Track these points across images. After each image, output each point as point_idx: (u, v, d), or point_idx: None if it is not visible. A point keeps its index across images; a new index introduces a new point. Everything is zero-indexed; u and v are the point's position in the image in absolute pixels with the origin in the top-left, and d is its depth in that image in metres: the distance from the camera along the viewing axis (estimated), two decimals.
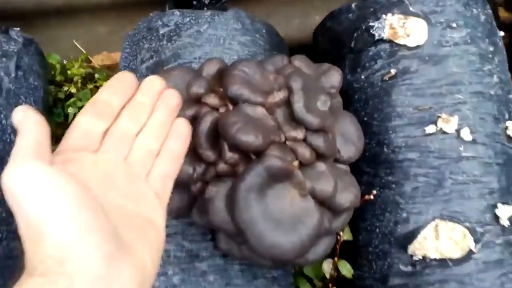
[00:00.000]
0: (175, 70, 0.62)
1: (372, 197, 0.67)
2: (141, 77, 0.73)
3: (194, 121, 0.56)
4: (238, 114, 0.54)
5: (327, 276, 0.76)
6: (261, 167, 0.51)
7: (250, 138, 0.51)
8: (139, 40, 0.78)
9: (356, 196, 0.58)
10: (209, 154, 0.54)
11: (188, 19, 0.74)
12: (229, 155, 0.54)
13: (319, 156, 0.58)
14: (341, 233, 0.70)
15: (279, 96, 0.56)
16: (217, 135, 0.55)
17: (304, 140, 0.56)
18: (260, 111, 0.56)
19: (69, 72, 0.97)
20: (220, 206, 0.53)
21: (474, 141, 0.68)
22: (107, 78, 1.00)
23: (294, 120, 0.56)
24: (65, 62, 1.01)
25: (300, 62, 0.66)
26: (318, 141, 0.56)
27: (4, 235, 0.61)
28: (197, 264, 0.63)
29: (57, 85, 0.99)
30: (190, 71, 0.63)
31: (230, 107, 0.57)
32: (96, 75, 1.00)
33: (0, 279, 0.58)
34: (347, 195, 0.58)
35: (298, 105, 0.55)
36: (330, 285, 0.73)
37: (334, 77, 0.65)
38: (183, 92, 0.60)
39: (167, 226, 0.65)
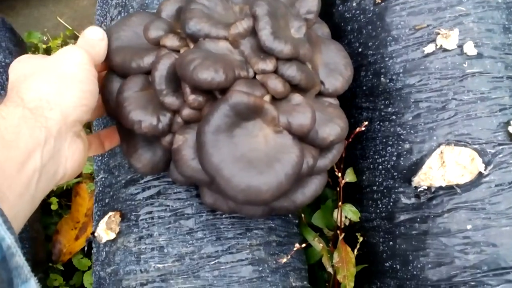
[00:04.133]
0: (132, 16, 0.57)
1: (363, 128, 0.60)
2: None
3: None
4: (197, 51, 0.49)
5: (337, 223, 0.71)
6: (226, 106, 0.47)
7: (209, 75, 0.46)
8: None
9: (342, 129, 0.52)
10: (172, 101, 0.50)
11: None
12: (192, 97, 0.49)
13: (296, 88, 0.52)
14: (340, 175, 0.65)
15: (242, 25, 0.51)
16: (179, 79, 0.50)
17: (276, 71, 0.51)
18: (223, 45, 0.51)
19: (44, 46, 0.93)
20: (188, 154, 0.49)
21: (480, 55, 0.60)
22: None
23: (263, 51, 0.51)
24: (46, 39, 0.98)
25: None
26: (290, 70, 0.50)
27: None
28: (183, 222, 0.59)
29: None
30: (149, 15, 0.58)
31: (192, 46, 0.52)
32: None
33: None
34: (331, 128, 0.52)
35: (264, 32, 0.49)
36: (338, 232, 0.68)
37: (309, 1, 0.58)
38: (145, 40, 0.56)
39: (148, 188, 0.62)
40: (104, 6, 0.74)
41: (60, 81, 0.43)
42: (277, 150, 0.48)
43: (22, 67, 0.45)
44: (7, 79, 0.74)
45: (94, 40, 0.51)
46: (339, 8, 0.74)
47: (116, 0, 0.71)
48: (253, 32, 0.51)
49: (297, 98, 0.50)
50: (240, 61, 0.51)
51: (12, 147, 0.38)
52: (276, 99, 0.51)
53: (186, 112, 0.50)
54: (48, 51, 0.96)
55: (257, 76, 0.50)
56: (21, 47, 0.82)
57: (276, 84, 0.49)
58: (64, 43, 0.96)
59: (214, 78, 0.46)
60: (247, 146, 0.47)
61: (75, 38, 1.06)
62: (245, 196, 0.46)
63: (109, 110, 0.55)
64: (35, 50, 0.97)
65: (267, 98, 0.50)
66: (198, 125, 0.48)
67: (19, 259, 0.32)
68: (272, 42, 0.49)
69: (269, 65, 0.50)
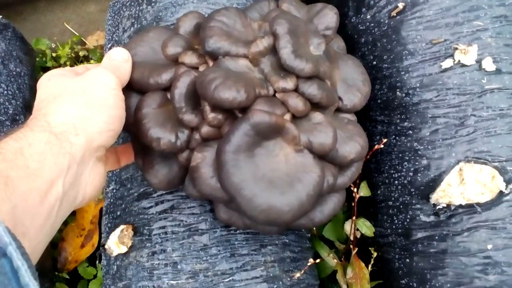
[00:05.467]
0: (150, 31, 0.56)
1: (382, 146, 0.60)
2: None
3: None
4: (218, 70, 0.48)
5: (350, 237, 0.71)
6: (247, 125, 0.46)
7: (231, 94, 0.46)
8: (120, 8, 0.73)
9: (362, 147, 0.52)
10: (191, 118, 0.49)
11: None
12: (212, 116, 0.48)
13: (316, 106, 0.51)
14: (356, 189, 0.64)
15: (262, 44, 0.50)
16: (198, 96, 0.50)
17: (296, 90, 0.50)
18: (242, 63, 0.50)
19: (54, 54, 0.93)
20: (207, 173, 0.48)
21: (498, 71, 0.59)
22: (100, 57, 0.96)
23: (283, 69, 0.50)
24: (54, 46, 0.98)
25: (289, 4, 0.59)
26: (311, 89, 0.50)
27: None
28: (197, 238, 0.59)
29: None
30: (166, 30, 0.57)
31: (211, 64, 0.51)
32: (90, 56, 0.96)
33: None
34: (352, 146, 0.51)
35: (285, 51, 0.49)
36: (351, 246, 0.68)
37: (328, 17, 0.58)
38: (162, 56, 0.55)
39: (161, 202, 0.62)
40: (116, 16, 0.73)
41: (88, 106, 0.42)
42: (298, 170, 0.47)
43: (51, 87, 0.44)
44: (18, 89, 0.73)
45: (119, 62, 0.50)
46: (352, 20, 0.73)
47: (129, 11, 0.70)
48: (273, 50, 0.50)
49: (318, 116, 0.50)
50: (260, 79, 0.50)
51: (37, 176, 0.37)
52: (296, 118, 0.50)
53: (205, 129, 0.49)
54: (57, 60, 0.95)
55: (277, 94, 0.50)
56: (31, 56, 0.81)
57: (297, 103, 0.49)
58: (73, 51, 0.96)
59: (235, 98, 0.45)
60: (268, 166, 0.47)
61: (82, 44, 1.05)
62: (266, 216, 0.45)
63: (126, 126, 0.54)
64: (42, 56, 0.96)
65: (287, 116, 0.49)
66: (218, 144, 0.47)
67: None
68: (293, 61, 0.48)
69: (289, 83, 0.49)
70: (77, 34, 1.03)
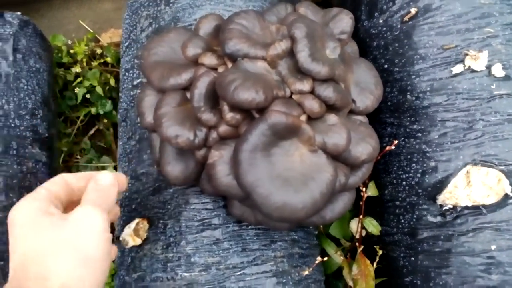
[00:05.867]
0: (170, 32, 0.58)
1: (393, 147, 0.61)
2: (141, 47, 0.71)
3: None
4: (237, 71, 0.50)
5: (356, 235, 0.72)
6: (264, 125, 0.48)
7: (250, 95, 0.47)
8: (138, 8, 0.74)
9: (374, 148, 0.54)
10: (209, 117, 0.51)
11: None
12: (230, 115, 0.50)
13: (331, 108, 0.53)
14: (364, 189, 0.66)
15: (280, 47, 0.52)
16: (217, 96, 0.52)
17: (312, 92, 0.52)
18: (261, 65, 0.52)
19: (71, 51, 0.95)
20: (223, 170, 0.50)
21: (507, 77, 0.61)
22: (114, 55, 0.98)
23: (300, 72, 0.52)
24: (70, 43, 1.00)
25: (305, 9, 0.60)
26: (327, 91, 0.51)
27: None
28: (210, 232, 0.61)
29: (66, 68, 0.98)
30: (186, 31, 0.59)
31: (230, 65, 0.53)
32: (105, 53, 0.98)
33: None
34: (364, 147, 0.53)
35: (302, 54, 0.51)
36: (357, 244, 0.70)
37: (344, 22, 0.59)
38: (181, 56, 0.57)
39: (176, 197, 0.64)
40: (133, 16, 0.75)
41: (81, 266, 0.42)
42: (312, 169, 0.49)
43: (39, 240, 0.43)
44: (37, 84, 0.75)
45: (106, 186, 0.49)
46: (365, 24, 0.75)
47: (147, 11, 0.72)
48: (290, 53, 0.52)
49: (332, 118, 0.52)
50: (277, 81, 0.52)
51: None
52: (311, 119, 0.52)
53: (223, 128, 0.51)
54: (73, 56, 0.97)
55: (293, 96, 0.52)
56: (49, 52, 0.83)
57: (313, 105, 0.51)
58: (88, 48, 0.98)
59: (254, 99, 0.47)
60: (284, 165, 0.49)
61: (96, 41, 1.07)
62: (280, 213, 0.47)
63: (144, 123, 0.56)
64: (58, 52, 0.98)
65: (303, 117, 0.51)
66: (236, 143, 0.49)
67: None
68: (310, 64, 0.50)
69: (306, 85, 0.51)
70: (92, 31, 1.05)
